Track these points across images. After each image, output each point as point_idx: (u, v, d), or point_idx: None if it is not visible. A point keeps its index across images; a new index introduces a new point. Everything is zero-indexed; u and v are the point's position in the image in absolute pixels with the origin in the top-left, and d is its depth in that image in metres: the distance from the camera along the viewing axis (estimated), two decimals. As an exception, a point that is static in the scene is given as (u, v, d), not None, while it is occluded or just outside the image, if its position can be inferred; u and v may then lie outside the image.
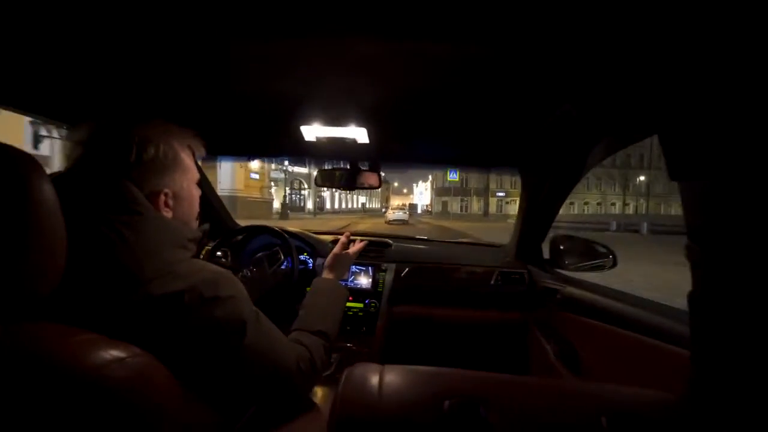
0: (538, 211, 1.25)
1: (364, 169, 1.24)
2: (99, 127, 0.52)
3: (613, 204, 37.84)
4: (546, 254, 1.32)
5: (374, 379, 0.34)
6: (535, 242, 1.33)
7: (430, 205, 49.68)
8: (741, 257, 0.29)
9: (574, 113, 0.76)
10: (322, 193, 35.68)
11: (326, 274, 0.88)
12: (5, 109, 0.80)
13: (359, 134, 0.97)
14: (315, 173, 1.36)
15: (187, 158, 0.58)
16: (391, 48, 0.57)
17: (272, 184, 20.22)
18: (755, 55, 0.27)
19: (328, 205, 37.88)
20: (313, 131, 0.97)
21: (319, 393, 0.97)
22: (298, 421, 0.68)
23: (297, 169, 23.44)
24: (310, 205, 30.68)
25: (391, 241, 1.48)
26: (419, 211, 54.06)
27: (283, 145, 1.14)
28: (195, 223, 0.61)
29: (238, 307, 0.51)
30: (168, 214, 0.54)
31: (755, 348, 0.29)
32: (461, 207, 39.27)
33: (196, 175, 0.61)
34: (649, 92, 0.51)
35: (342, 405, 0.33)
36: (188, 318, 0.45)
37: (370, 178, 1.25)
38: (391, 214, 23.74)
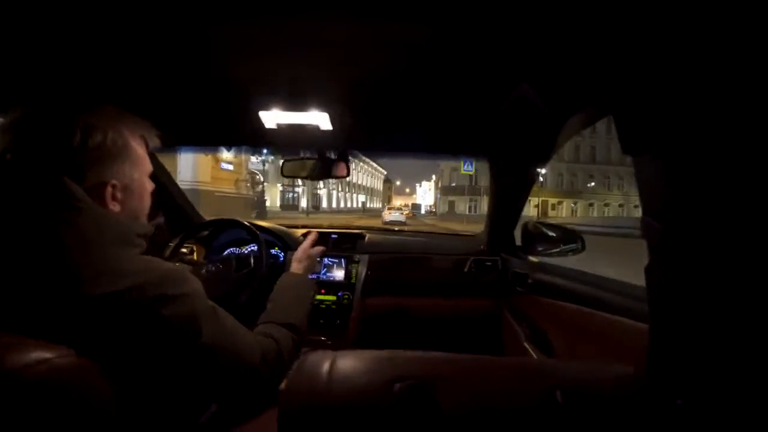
0: (508, 198, 1.34)
1: (332, 158, 1.31)
2: (36, 111, 0.51)
3: (637, 206, 37.49)
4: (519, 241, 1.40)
5: (325, 366, 0.35)
6: (507, 229, 1.42)
7: (434, 205, 49.60)
8: (695, 232, 0.30)
9: (532, 93, 0.80)
10: (318, 191, 35.43)
11: (295, 268, 0.92)
12: None
13: (321, 120, 1.02)
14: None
15: (138, 148, 0.58)
16: (345, 28, 0.60)
17: (261, 178, 19.91)
18: (709, 27, 0.28)
19: (324, 204, 37.67)
20: (273, 117, 1.01)
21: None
22: (266, 414, 0.74)
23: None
24: (304, 203, 30.61)
25: (364, 232, 1.56)
26: (422, 211, 54.14)
27: (243, 133, 1.17)
28: (145, 218, 0.62)
29: (190, 306, 0.51)
30: (116, 208, 0.54)
31: (710, 318, 0.31)
32: (469, 207, 39.16)
33: (149, 167, 0.61)
34: (600, 66, 0.55)
35: (288, 394, 0.34)
36: (133, 317, 0.45)
37: (338, 168, 1.32)
38: (388, 215, 24.12)
